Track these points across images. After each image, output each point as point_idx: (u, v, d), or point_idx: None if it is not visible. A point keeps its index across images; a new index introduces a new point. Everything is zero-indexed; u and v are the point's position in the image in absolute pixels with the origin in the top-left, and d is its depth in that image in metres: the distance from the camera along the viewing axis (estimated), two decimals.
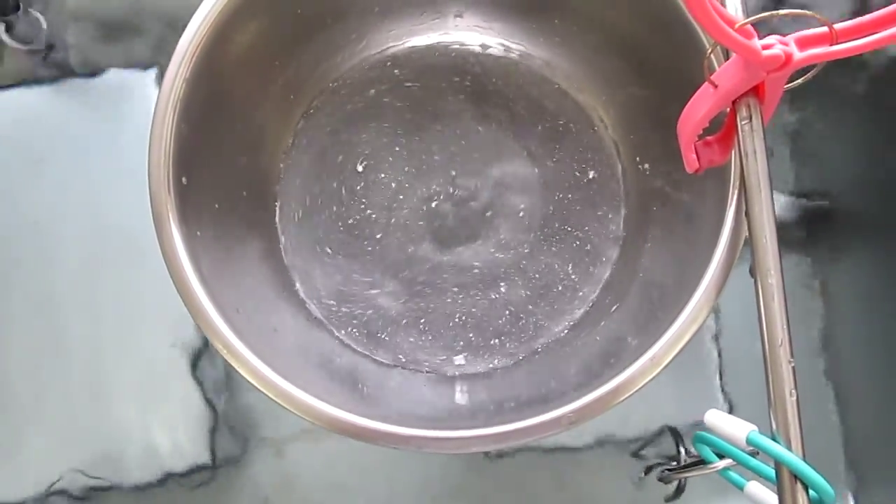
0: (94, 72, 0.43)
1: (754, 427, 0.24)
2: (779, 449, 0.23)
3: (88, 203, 0.42)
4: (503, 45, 0.38)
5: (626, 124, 0.36)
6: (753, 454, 0.25)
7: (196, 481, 0.40)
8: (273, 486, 0.40)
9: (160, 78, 0.41)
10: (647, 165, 0.36)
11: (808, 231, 0.42)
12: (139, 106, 0.43)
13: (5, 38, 0.42)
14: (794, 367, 0.24)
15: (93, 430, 0.40)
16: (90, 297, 0.41)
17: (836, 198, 0.42)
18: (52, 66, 0.43)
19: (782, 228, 0.41)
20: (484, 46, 0.38)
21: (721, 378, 0.40)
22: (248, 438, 0.40)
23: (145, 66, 0.43)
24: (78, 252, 0.42)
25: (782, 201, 0.43)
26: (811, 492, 0.23)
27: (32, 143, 0.43)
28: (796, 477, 0.23)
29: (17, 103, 0.43)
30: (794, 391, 0.23)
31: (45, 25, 0.43)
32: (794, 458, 0.23)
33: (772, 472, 0.24)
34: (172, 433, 0.40)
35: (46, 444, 0.41)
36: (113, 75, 0.43)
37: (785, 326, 0.24)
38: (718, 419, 0.25)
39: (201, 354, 0.41)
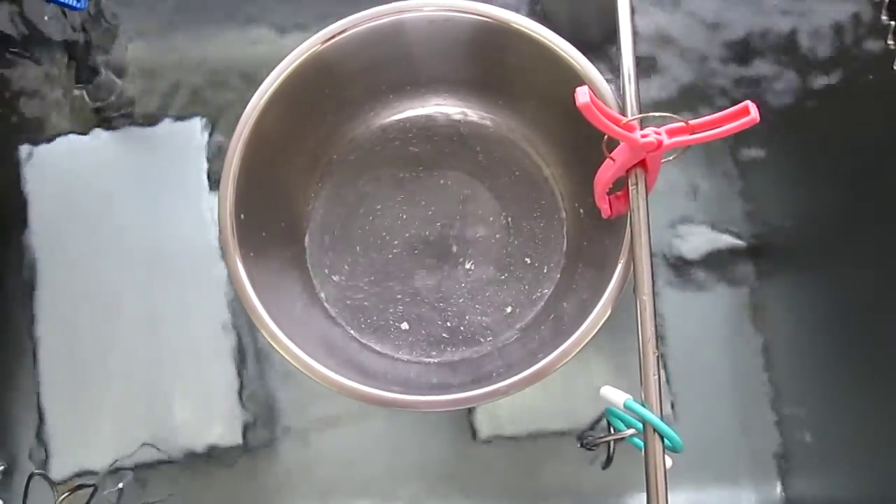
0: (152, 122, 0.49)
1: (629, 396, 0.32)
2: (644, 410, 0.31)
3: (149, 228, 0.48)
4: (478, 114, 0.45)
5: (568, 178, 0.44)
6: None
7: (232, 458, 0.45)
8: (294, 464, 0.45)
9: (205, 127, 0.48)
10: (582, 211, 0.43)
11: (749, 260, 0.48)
12: (188, 150, 0.49)
13: (88, 100, 0.50)
14: (657, 356, 0.31)
15: (147, 415, 0.46)
16: (149, 305, 0.47)
17: (774, 232, 0.48)
18: (120, 117, 0.50)
19: (730, 257, 0.48)
20: (464, 114, 0.46)
21: (668, 382, 0.46)
22: (275, 425, 0.46)
23: (191, 118, 0.49)
24: (140, 267, 0.47)
25: (725, 236, 0.48)
26: (665, 441, 0.31)
27: (105, 180, 0.49)
28: (655, 430, 0.31)
29: (91, 148, 0.49)
30: (656, 373, 0.31)
31: (119, 84, 0.50)
32: (654, 417, 0.31)
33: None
34: (212, 420, 0.46)
35: (112, 426, 0.46)
36: (167, 125, 0.49)
37: (652, 328, 0.31)
38: (609, 392, 0.33)
39: (241, 355, 0.46)
